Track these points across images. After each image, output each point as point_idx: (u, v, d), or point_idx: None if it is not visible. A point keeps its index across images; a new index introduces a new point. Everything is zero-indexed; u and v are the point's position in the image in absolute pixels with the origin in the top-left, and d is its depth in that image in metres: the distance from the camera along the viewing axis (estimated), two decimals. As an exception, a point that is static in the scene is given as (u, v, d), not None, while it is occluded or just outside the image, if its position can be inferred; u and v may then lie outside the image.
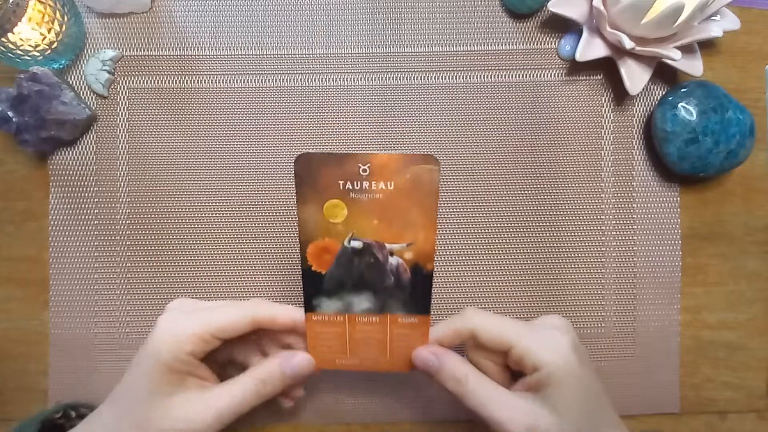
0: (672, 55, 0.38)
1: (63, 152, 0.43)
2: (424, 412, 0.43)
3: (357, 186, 0.30)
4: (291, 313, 0.33)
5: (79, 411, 0.39)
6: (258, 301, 0.34)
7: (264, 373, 0.33)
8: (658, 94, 0.44)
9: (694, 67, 0.41)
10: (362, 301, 0.33)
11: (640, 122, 0.44)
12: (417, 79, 0.43)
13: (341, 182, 0.30)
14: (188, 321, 0.32)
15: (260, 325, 0.33)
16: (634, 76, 0.41)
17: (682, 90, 0.41)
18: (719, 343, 0.44)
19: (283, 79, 0.43)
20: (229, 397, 0.32)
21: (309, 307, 0.33)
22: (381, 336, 0.34)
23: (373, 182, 0.30)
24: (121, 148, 0.43)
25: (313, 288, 0.33)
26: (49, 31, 0.39)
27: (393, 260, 0.32)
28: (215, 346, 0.33)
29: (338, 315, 0.33)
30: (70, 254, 0.43)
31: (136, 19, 0.43)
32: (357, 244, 0.31)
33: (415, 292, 0.32)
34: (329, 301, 0.33)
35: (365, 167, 0.29)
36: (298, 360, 0.33)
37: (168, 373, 0.31)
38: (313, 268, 0.32)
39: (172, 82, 0.43)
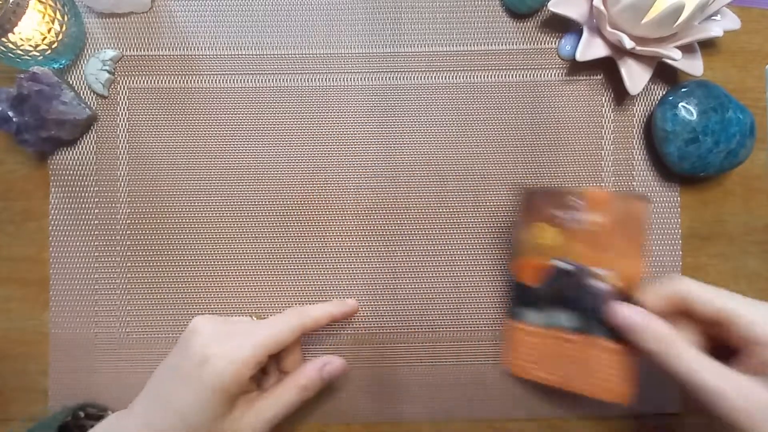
0: (672, 54, 0.38)
1: (63, 152, 0.43)
2: (424, 412, 0.43)
3: (571, 216, 0.35)
4: (328, 309, 0.38)
5: (87, 411, 0.39)
6: (297, 311, 0.37)
7: (305, 380, 0.37)
8: (659, 94, 0.44)
9: (694, 66, 0.41)
10: (566, 319, 0.34)
11: (640, 122, 0.44)
12: (417, 79, 0.43)
13: (557, 211, 0.35)
14: (242, 348, 0.33)
15: (306, 332, 0.36)
16: (635, 76, 0.41)
17: (683, 90, 0.41)
18: (719, 342, 0.44)
19: (283, 79, 0.43)
20: (277, 407, 0.35)
21: (512, 315, 0.36)
22: (581, 355, 0.34)
23: (585, 213, 0.34)
24: (122, 148, 0.43)
25: (520, 298, 0.36)
26: (49, 31, 0.39)
27: (599, 285, 0.34)
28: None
29: (541, 328, 0.35)
30: (70, 254, 0.43)
31: (136, 19, 0.43)
32: (567, 266, 0.34)
33: None
34: (533, 313, 0.35)
35: (580, 200, 0.34)
36: (334, 366, 0.39)
37: (228, 399, 0.33)
38: (522, 281, 0.36)
39: (172, 82, 0.43)
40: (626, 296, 0.33)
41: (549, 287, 0.35)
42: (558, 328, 0.35)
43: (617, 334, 0.33)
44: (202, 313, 0.43)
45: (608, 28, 0.39)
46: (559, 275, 0.34)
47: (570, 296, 0.34)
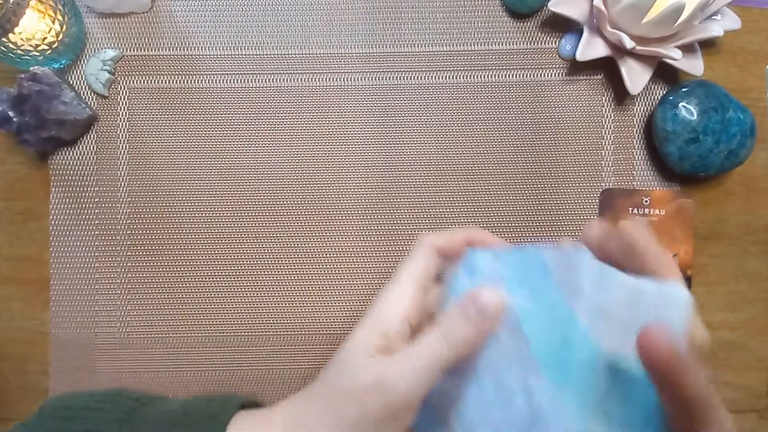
0: (673, 54, 0.38)
1: (63, 152, 0.43)
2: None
3: (641, 212, 0.43)
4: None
5: None
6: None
7: (445, 325, 0.26)
8: (659, 94, 0.44)
9: (694, 66, 0.41)
10: None
11: (640, 122, 0.44)
12: (417, 78, 0.43)
13: (630, 208, 0.43)
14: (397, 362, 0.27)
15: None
16: (635, 76, 0.41)
17: (683, 89, 0.41)
18: (720, 342, 0.43)
19: (282, 79, 0.43)
20: (421, 360, 0.26)
21: None
22: None
23: (652, 209, 0.43)
24: (122, 148, 0.43)
25: None
26: (49, 31, 0.39)
27: None
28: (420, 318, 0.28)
29: None
30: (71, 254, 0.43)
31: (136, 19, 0.43)
32: None
33: None
34: None
35: (647, 199, 0.43)
36: (483, 299, 0.26)
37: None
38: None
39: (172, 82, 0.43)
40: (683, 273, 0.39)
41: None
42: None
43: None
44: (203, 313, 0.43)
45: (609, 28, 0.39)
46: None
47: None
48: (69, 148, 0.43)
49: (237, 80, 0.43)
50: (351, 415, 0.26)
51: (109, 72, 0.42)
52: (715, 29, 0.39)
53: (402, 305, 0.28)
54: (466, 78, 0.43)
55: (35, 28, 0.38)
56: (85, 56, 0.43)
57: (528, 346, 0.25)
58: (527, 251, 0.26)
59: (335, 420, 0.26)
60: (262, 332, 0.43)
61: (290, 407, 0.28)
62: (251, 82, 0.43)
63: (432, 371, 0.25)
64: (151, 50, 0.43)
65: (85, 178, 0.43)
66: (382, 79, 0.43)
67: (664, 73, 0.43)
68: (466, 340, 0.26)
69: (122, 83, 0.43)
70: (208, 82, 0.43)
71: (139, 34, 0.43)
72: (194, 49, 0.43)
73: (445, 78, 0.43)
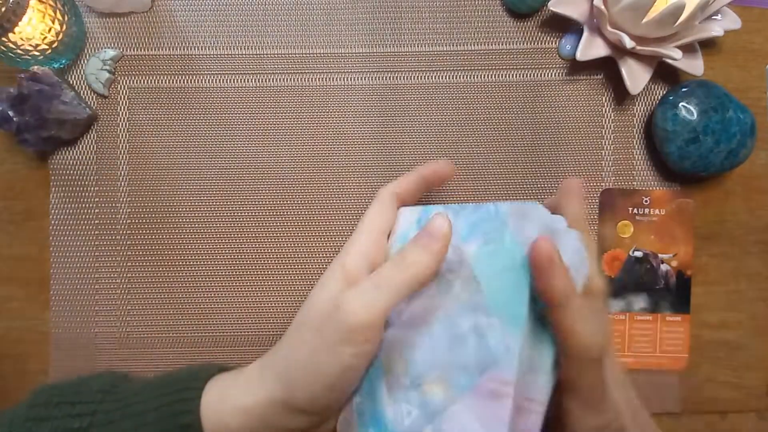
0: (673, 54, 0.38)
1: (63, 152, 0.43)
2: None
3: (641, 212, 0.42)
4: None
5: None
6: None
7: (397, 254, 0.28)
8: (659, 94, 0.44)
9: (694, 66, 0.41)
10: (639, 301, 0.42)
11: (640, 122, 0.44)
12: (417, 78, 0.43)
13: (630, 208, 0.42)
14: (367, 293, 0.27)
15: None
16: (635, 76, 0.41)
17: (683, 89, 0.41)
18: (720, 342, 0.43)
19: (282, 79, 0.43)
20: (375, 283, 0.27)
21: None
22: (652, 333, 0.42)
23: (652, 209, 0.42)
24: (122, 148, 0.43)
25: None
26: (49, 30, 0.39)
27: (663, 267, 0.42)
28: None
29: (621, 314, 0.42)
30: (71, 253, 0.43)
31: (136, 18, 0.43)
32: (638, 253, 0.42)
33: (679, 293, 0.42)
34: (614, 301, 0.42)
35: (647, 199, 0.42)
36: (430, 223, 0.28)
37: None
38: (605, 273, 0.42)
39: (173, 82, 0.43)
40: (682, 274, 0.42)
41: (625, 275, 0.42)
42: (635, 311, 0.42)
43: (679, 306, 0.42)
44: (203, 312, 0.43)
45: (609, 28, 0.39)
46: (633, 262, 0.42)
47: (642, 279, 0.42)
48: (69, 148, 0.43)
49: (237, 80, 0.43)
50: (308, 338, 0.27)
51: (109, 72, 0.42)
52: (715, 29, 0.39)
53: (360, 243, 0.30)
54: (466, 78, 0.43)
55: (35, 28, 0.38)
56: (85, 56, 0.43)
57: (480, 291, 0.26)
58: (482, 205, 0.28)
59: (295, 346, 0.28)
60: (263, 331, 0.43)
61: (264, 355, 0.30)
62: (251, 81, 0.43)
63: (386, 292, 0.27)
64: (151, 50, 0.43)
65: (85, 177, 0.43)
66: (382, 79, 0.43)
67: (664, 73, 0.43)
68: (417, 262, 0.27)
69: (122, 83, 0.43)
70: (208, 81, 0.43)
71: (139, 33, 0.43)
72: (194, 49, 0.43)
73: (445, 78, 0.43)
